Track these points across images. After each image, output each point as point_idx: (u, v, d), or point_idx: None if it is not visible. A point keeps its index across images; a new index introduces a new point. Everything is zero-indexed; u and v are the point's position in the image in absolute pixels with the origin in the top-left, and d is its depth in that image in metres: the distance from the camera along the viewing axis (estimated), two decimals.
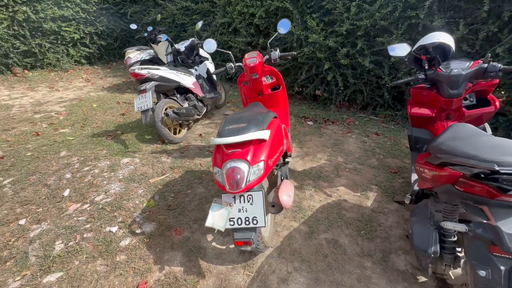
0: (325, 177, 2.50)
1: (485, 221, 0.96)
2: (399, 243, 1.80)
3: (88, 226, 1.86)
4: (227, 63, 2.26)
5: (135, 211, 2.00)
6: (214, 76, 3.79)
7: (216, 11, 4.72)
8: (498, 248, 0.89)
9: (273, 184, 1.89)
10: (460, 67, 1.78)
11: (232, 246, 1.76)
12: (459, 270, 1.29)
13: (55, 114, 3.91)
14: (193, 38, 3.54)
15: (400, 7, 2.88)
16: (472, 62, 1.78)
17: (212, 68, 3.77)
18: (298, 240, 1.81)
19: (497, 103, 1.83)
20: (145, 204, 2.09)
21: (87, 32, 6.53)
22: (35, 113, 3.93)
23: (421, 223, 1.33)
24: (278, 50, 2.20)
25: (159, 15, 5.20)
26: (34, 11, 5.61)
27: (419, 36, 3.03)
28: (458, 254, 1.27)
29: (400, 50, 1.94)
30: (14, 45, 5.59)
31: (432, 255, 1.23)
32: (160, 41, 4.96)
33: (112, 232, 1.81)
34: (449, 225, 1.03)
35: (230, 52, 2.31)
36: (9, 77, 5.65)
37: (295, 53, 2.18)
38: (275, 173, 1.93)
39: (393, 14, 2.95)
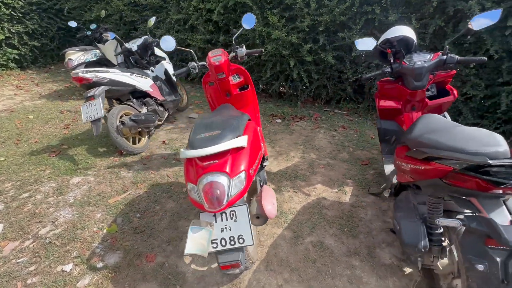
0: (301, 176, 2.45)
1: (477, 214, 0.96)
2: (381, 236, 1.82)
3: (32, 268, 1.52)
4: (190, 63, 2.05)
5: (93, 241, 1.70)
6: (174, 77, 3.51)
7: (169, 7, 4.38)
8: (494, 241, 0.89)
9: (252, 192, 1.75)
10: (422, 59, 1.84)
11: (215, 265, 1.59)
12: (445, 260, 1.31)
13: None
14: (146, 36, 3.21)
15: (357, 2, 2.94)
16: (433, 54, 1.86)
17: (170, 68, 3.48)
18: (284, 248, 1.71)
19: (455, 93, 1.94)
20: (105, 230, 1.79)
21: (13, 31, 5.58)
22: None
23: (408, 218, 1.32)
24: (244, 47, 2.06)
25: (103, 11, 4.66)
26: None
27: (375, 31, 3.16)
28: (444, 244, 1.28)
29: (367, 44, 1.94)
30: None
31: (423, 250, 1.23)
32: (108, 40, 4.45)
33: (66, 271, 1.50)
34: (443, 221, 1.02)
35: (191, 50, 2.10)
36: None
37: (263, 49, 2.06)
38: (254, 180, 1.80)
39: (351, 10, 3.01)
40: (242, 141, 1.28)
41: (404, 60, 1.88)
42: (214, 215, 1.23)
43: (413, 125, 1.55)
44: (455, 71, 1.90)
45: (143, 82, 2.95)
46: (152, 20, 3.18)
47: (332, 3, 3.04)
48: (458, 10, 2.57)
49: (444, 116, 2.08)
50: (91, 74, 2.47)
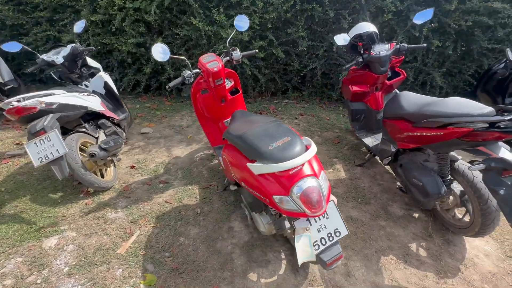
0: None
1: (491, 157, 1.36)
2: (384, 196, 2.21)
3: None
4: (184, 71, 1.84)
5: None
6: (115, 89, 2.98)
7: (79, 6, 3.57)
8: (509, 171, 1.30)
9: None
10: (383, 49, 2.27)
11: (282, 271, 1.59)
12: (451, 197, 1.77)
13: None
14: (74, 44, 2.58)
15: (298, 0, 3.24)
16: (389, 44, 2.32)
17: (110, 80, 2.93)
18: None
19: (404, 73, 2.50)
20: (142, 285, 1.47)
21: None
22: None
23: (425, 174, 1.70)
24: (238, 50, 2.01)
25: None
26: None
27: (314, 26, 3.56)
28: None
29: (343, 39, 2.24)
30: None
31: (444, 195, 1.63)
32: None
33: None
34: (474, 168, 1.40)
35: (185, 58, 1.88)
36: None
37: (257, 50, 2.05)
38: None
39: (295, 7, 3.29)
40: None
41: (371, 50, 2.27)
42: (308, 219, 1.24)
43: (395, 102, 1.92)
44: (403, 57, 2.44)
45: (94, 101, 2.40)
46: (78, 26, 2.55)
47: (277, 1, 3.23)
48: (377, 7, 3.23)
49: (396, 93, 2.65)
50: (34, 101, 1.83)
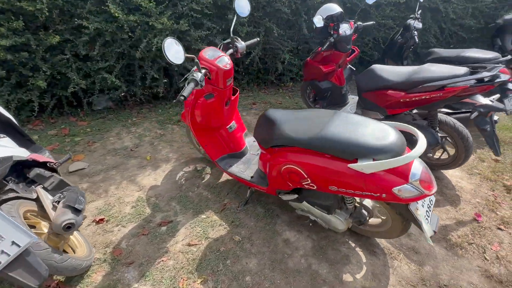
0: None
1: (479, 104, 1.77)
2: None
3: None
4: (195, 74, 1.38)
5: None
6: (13, 119, 1.95)
7: None
8: (491, 112, 1.74)
9: None
10: (347, 28, 2.46)
11: (364, 259, 1.57)
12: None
13: None
14: None
15: None
16: (349, 23, 2.52)
17: (1, 108, 1.88)
18: None
19: (358, 49, 2.81)
20: None
21: None
22: None
23: (423, 131, 2.03)
24: (240, 39, 1.69)
25: None
26: None
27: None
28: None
29: (320, 21, 2.25)
30: None
31: (440, 142, 2.01)
32: None
33: None
34: (473, 115, 1.77)
35: (194, 56, 1.39)
36: None
37: (258, 38, 1.77)
38: None
39: None
40: None
41: (339, 30, 2.41)
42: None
43: (373, 76, 2.16)
44: (357, 34, 2.72)
45: (11, 145, 1.47)
46: None
47: None
48: None
49: (351, 68, 2.96)
50: None
